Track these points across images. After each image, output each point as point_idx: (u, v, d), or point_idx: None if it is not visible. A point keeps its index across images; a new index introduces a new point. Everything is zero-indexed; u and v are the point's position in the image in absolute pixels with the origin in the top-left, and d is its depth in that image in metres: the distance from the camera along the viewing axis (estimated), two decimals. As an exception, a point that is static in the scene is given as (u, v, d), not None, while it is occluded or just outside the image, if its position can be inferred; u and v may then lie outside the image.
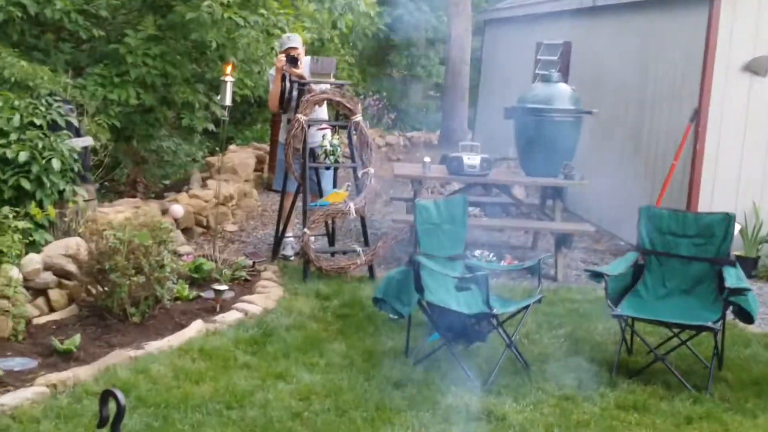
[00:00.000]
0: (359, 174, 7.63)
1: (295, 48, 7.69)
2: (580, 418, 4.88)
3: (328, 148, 7.62)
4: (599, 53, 10.75)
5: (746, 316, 5.65)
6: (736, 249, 7.89)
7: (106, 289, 5.85)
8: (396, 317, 5.96)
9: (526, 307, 5.58)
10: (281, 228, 7.90)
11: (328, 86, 7.66)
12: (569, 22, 11.80)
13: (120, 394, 2.95)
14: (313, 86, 7.59)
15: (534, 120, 8.34)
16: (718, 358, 5.63)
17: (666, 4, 9.25)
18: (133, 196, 9.38)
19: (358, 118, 7.65)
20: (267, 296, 6.64)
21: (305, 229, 7.27)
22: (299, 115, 7.42)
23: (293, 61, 7.60)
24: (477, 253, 8.02)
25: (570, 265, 8.42)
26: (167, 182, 10.83)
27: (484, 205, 9.81)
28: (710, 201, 8.41)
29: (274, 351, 5.59)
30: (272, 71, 7.99)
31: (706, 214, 6.12)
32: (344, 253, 7.82)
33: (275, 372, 5.25)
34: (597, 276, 5.80)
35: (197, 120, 9.77)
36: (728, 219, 5.89)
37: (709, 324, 5.36)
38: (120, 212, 7.22)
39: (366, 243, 7.61)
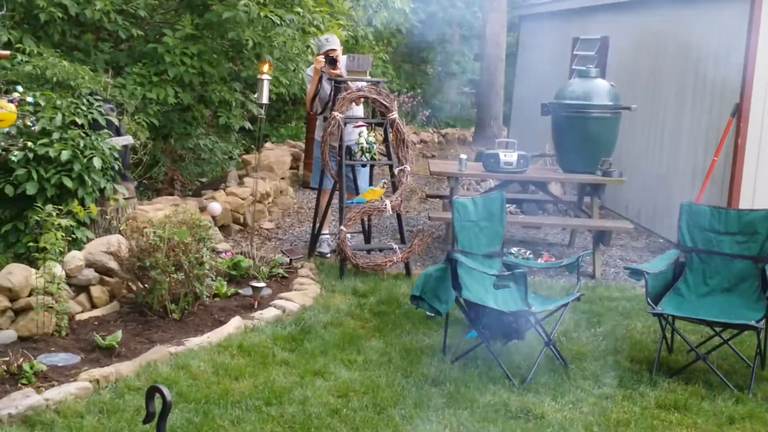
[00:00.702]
0: (395, 171, 7.63)
1: (334, 49, 7.71)
2: (619, 417, 4.85)
3: (365, 145, 7.64)
4: (637, 48, 10.64)
5: (789, 315, 5.56)
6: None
7: (146, 285, 5.92)
8: (433, 315, 5.95)
9: (565, 304, 5.55)
10: (317, 225, 7.93)
11: (365, 84, 7.67)
12: (606, 16, 11.70)
13: (166, 390, 2.99)
14: (350, 84, 7.61)
15: (571, 116, 8.29)
16: (761, 357, 5.56)
17: (706, -2, 9.14)
18: (171, 194, 9.47)
19: (394, 115, 7.65)
20: (304, 293, 6.67)
21: (341, 227, 7.29)
22: (335, 113, 7.44)
23: (332, 62, 7.62)
24: (514, 250, 8.00)
25: (608, 262, 8.36)
26: (204, 180, 10.92)
27: (521, 202, 9.78)
28: (752, 197, 8.30)
29: (312, 348, 5.62)
30: (309, 71, 8.01)
31: (748, 210, 6.04)
32: (380, 250, 7.83)
33: (313, 369, 5.27)
34: (637, 273, 5.75)
35: (234, 118, 9.84)
36: (772, 216, 5.81)
37: (752, 323, 5.29)
38: (159, 210, 7.30)
39: (402, 240, 7.61)
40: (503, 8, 17.88)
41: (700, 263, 5.94)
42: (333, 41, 7.83)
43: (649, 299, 5.61)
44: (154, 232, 5.83)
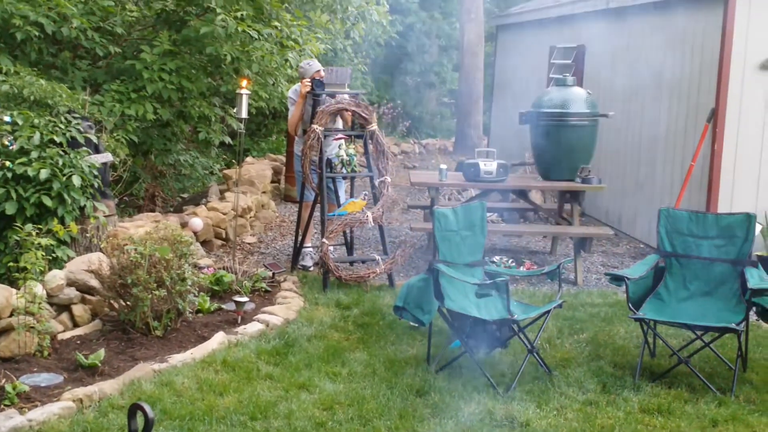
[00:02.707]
0: (376, 183, 7.65)
1: (319, 71, 7.79)
2: (604, 422, 4.87)
3: (345, 157, 7.66)
4: (614, 55, 10.74)
5: (769, 317, 5.61)
6: (758, 249, 7.85)
7: (128, 303, 5.89)
8: (417, 325, 5.97)
9: (547, 312, 5.57)
10: (300, 238, 7.93)
11: (347, 96, 7.69)
12: (582, 25, 11.79)
13: (148, 408, 2.98)
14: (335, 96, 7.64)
15: (549, 124, 8.35)
16: (743, 359, 5.61)
17: (681, 4, 9.23)
18: (152, 210, 9.44)
19: (374, 127, 7.68)
20: (288, 307, 6.67)
21: (324, 239, 7.30)
22: (314, 126, 7.46)
23: (320, 84, 7.64)
24: (496, 259, 8.03)
25: (590, 269, 8.40)
26: (185, 196, 10.89)
27: (502, 211, 9.82)
28: (730, 201, 8.37)
29: (297, 361, 5.61)
30: (293, 94, 8.01)
31: (726, 214, 6.09)
32: (363, 262, 7.84)
33: (298, 382, 5.27)
34: (618, 279, 5.79)
35: (213, 133, 9.84)
36: (749, 219, 5.86)
37: (733, 326, 5.33)
38: (140, 227, 7.28)
39: (384, 251, 7.63)
40: (480, 18, 17.99)
41: (680, 268, 5.98)
42: (316, 64, 7.90)
43: (630, 304, 5.65)
44: (135, 249, 5.82)
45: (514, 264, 8.08)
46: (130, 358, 5.49)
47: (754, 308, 5.57)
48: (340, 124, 7.99)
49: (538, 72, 13.18)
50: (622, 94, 10.33)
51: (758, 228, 7.57)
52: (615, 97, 10.32)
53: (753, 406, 5.16)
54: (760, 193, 8.43)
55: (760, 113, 8.43)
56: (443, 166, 8.41)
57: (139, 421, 3.14)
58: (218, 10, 8.50)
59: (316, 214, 7.76)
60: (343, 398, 5.06)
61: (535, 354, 5.49)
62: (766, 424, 4.88)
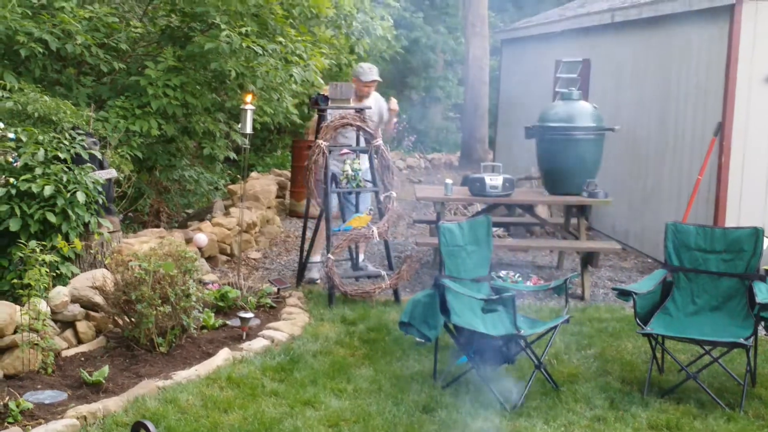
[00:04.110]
0: (381, 197, 7.63)
1: (373, 81, 8.13)
2: (612, 439, 4.82)
3: (350, 172, 7.64)
4: (619, 69, 10.72)
5: (779, 332, 5.56)
6: (766, 263, 7.80)
7: (132, 319, 5.87)
8: (423, 341, 5.91)
9: (554, 327, 5.53)
10: (305, 254, 7.91)
11: (352, 111, 7.70)
12: (588, 39, 11.79)
13: (151, 425, 2.95)
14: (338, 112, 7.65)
15: (555, 138, 8.32)
16: (751, 375, 5.55)
17: (686, 17, 9.21)
18: (157, 226, 9.42)
19: (379, 141, 7.67)
20: (293, 323, 6.63)
21: (329, 255, 7.27)
22: (320, 141, 7.45)
23: (325, 99, 7.72)
24: (502, 274, 7.99)
25: (597, 283, 8.35)
26: (190, 211, 10.88)
27: (508, 226, 9.78)
28: (738, 215, 8.32)
29: (302, 378, 5.57)
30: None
31: (734, 228, 6.04)
32: (369, 277, 7.81)
33: (303, 399, 5.23)
34: (625, 294, 5.74)
35: (218, 149, 9.83)
36: (757, 233, 5.82)
37: (741, 341, 5.28)
38: (144, 242, 7.26)
39: (390, 267, 7.59)
40: (485, 33, 18.01)
41: (688, 282, 5.94)
42: (369, 73, 8.11)
43: (638, 319, 5.60)
44: (140, 266, 5.80)
45: (520, 279, 8.03)
46: (135, 374, 5.46)
47: (762, 323, 5.51)
48: (352, 139, 7.94)
49: (543, 86, 13.16)
50: (628, 107, 10.30)
51: (766, 242, 7.51)
52: (621, 111, 10.29)
53: (762, 421, 5.10)
54: (767, 206, 8.38)
55: (766, 126, 8.39)
56: (449, 181, 8.38)
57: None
58: (222, 26, 8.51)
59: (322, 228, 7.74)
60: (349, 415, 5.01)
61: (542, 370, 5.44)
62: (776, 441, 4.83)
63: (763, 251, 5.85)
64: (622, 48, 10.75)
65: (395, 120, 8.55)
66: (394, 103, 8.31)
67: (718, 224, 8.20)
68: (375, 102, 8.20)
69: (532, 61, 14.45)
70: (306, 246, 7.96)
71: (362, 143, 7.77)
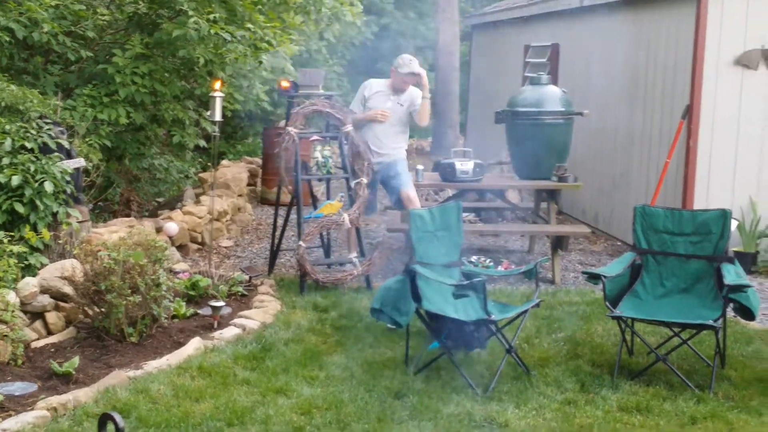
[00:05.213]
0: (352, 184, 7.62)
1: (414, 74, 7.67)
2: (583, 422, 4.86)
3: (320, 159, 7.62)
4: (588, 53, 10.76)
5: (747, 313, 5.61)
6: (734, 245, 7.89)
7: (102, 310, 5.82)
8: (394, 327, 5.92)
9: (525, 311, 5.56)
10: (276, 241, 7.89)
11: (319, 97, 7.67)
12: (556, 23, 11.81)
13: (118, 417, 2.93)
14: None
15: (525, 123, 8.35)
16: (721, 356, 5.62)
17: (654, 2, 9.26)
18: (127, 215, 9.35)
19: (349, 128, 7.64)
20: (264, 311, 6.62)
21: (300, 242, 7.25)
22: (290, 128, 7.42)
23: (294, 86, 7.68)
24: (473, 259, 8.01)
25: (567, 267, 8.41)
26: (161, 200, 10.81)
27: (479, 211, 9.81)
28: (706, 197, 8.41)
29: (274, 366, 5.57)
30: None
31: (702, 211, 6.10)
32: (340, 264, 7.80)
33: (275, 387, 5.22)
34: (595, 278, 5.77)
35: (188, 137, 9.76)
36: (725, 215, 5.87)
37: (710, 322, 5.34)
38: (114, 232, 7.20)
39: (362, 253, 7.59)
40: (455, 18, 17.98)
41: (657, 265, 5.99)
42: (409, 65, 7.68)
43: (607, 303, 5.64)
44: (109, 255, 5.75)
45: (491, 264, 8.07)
46: (105, 365, 5.43)
47: (731, 304, 5.57)
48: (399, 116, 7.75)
49: (513, 71, 13.20)
50: (597, 92, 10.35)
51: (734, 224, 7.59)
52: (590, 95, 10.34)
53: (732, 402, 5.16)
54: (735, 188, 8.47)
55: (734, 109, 8.47)
56: (420, 167, 8.38)
57: (111, 430, 3.08)
58: (191, 13, 8.43)
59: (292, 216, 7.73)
60: (321, 402, 5.02)
61: (513, 354, 5.48)
62: (744, 421, 4.89)
63: (730, 233, 5.91)
64: (591, 32, 10.79)
65: (428, 103, 7.78)
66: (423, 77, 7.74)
67: (686, 207, 8.27)
68: (409, 96, 7.77)
69: (502, 46, 14.47)
70: (278, 234, 7.94)
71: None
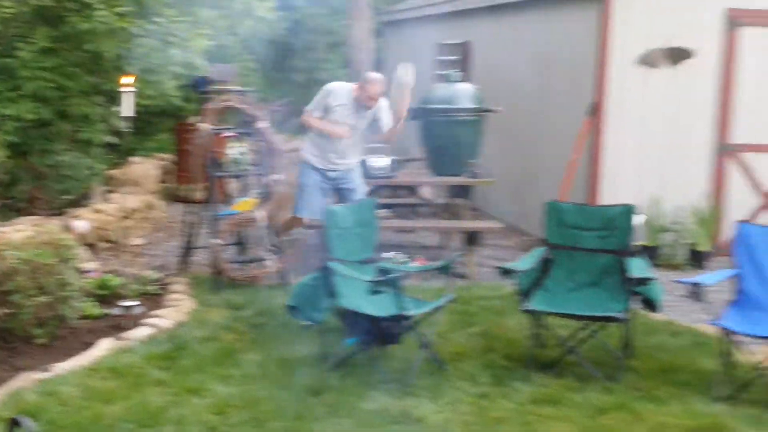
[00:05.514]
0: (267, 181, 7.57)
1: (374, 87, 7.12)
2: (497, 414, 4.94)
3: (236, 156, 7.54)
4: (499, 51, 10.92)
5: (652, 305, 5.81)
6: (640, 239, 8.12)
7: (8, 311, 5.64)
8: (310, 324, 5.92)
9: (440, 307, 5.62)
10: (189, 240, 7.78)
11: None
12: (468, 21, 11.96)
13: (28, 421, 2.86)
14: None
15: (438, 120, 8.44)
16: (627, 347, 5.78)
17: (561, 1, 9.45)
18: (34, 214, 9.07)
19: (263, 123, 7.59)
20: (178, 309, 6.53)
21: (214, 240, 7.17)
22: (204, 125, 7.32)
23: (204, 82, 7.50)
24: (389, 255, 8.05)
25: (480, 262, 8.52)
26: (69, 197, 10.51)
27: (394, 207, 9.85)
28: (612, 193, 8.62)
29: (188, 365, 5.49)
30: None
31: (609, 206, 6.27)
32: (255, 261, 7.75)
33: (189, 386, 5.15)
34: (508, 272, 5.87)
35: (96, 133, 9.53)
36: (630, 210, 6.05)
37: (617, 315, 5.49)
38: (20, 231, 6.98)
39: (277, 251, 7.55)
40: (368, 15, 17.99)
41: (567, 259, 6.13)
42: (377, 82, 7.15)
43: (520, 297, 5.75)
44: (14, 255, 5.58)
45: (406, 260, 8.11)
46: (12, 368, 5.27)
47: (636, 297, 5.75)
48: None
49: (425, 68, 13.28)
50: (509, 89, 10.51)
51: (641, 219, 7.81)
52: (502, 92, 10.47)
53: (638, 392, 5.32)
54: (640, 185, 8.72)
55: (638, 107, 8.72)
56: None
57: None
58: (98, 6, 8.23)
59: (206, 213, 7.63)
60: (237, 401, 4.98)
61: (428, 349, 5.53)
62: (650, 411, 5.05)
63: (636, 228, 6.09)
64: (501, 30, 10.96)
65: (402, 119, 7.33)
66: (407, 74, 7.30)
67: (593, 203, 8.48)
68: (377, 110, 7.29)
69: (414, 44, 14.55)
70: (191, 231, 7.82)
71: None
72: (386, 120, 7.31)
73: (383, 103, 7.28)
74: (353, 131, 7.29)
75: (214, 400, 4.98)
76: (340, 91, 7.28)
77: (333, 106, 7.23)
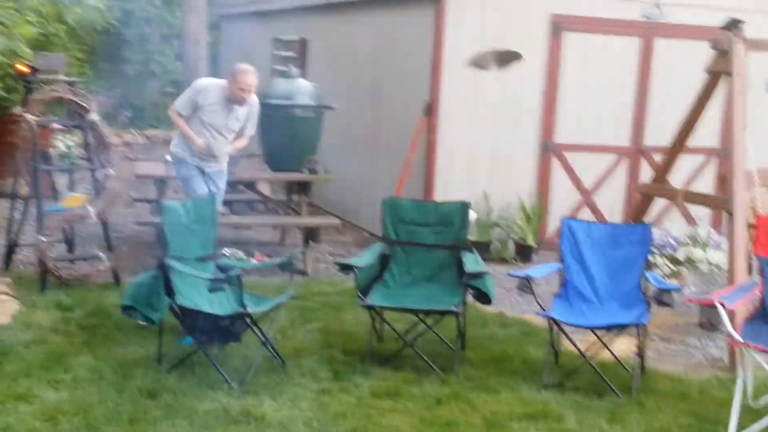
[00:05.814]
0: (98, 175, 7.30)
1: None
2: (337, 409, 4.97)
3: (63, 149, 7.25)
4: (336, 50, 10.98)
5: (484, 298, 6.02)
6: (471, 235, 8.38)
7: None
8: (146, 324, 5.76)
9: (280, 303, 5.60)
10: (14, 235, 7.40)
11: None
12: (305, 19, 11.95)
13: None
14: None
15: (276, 116, 8.39)
16: (462, 339, 5.96)
17: (396, 2, 9.61)
18: None
19: (93, 116, 7.31)
20: (1, 311, 6.20)
21: (41, 237, 6.85)
22: (29, 116, 6.97)
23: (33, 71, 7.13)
24: (227, 251, 7.95)
25: (319, 258, 8.56)
26: None
27: (231, 203, 9.73)
28: (446, 190, 8.85)
29: (13, 371, 5.22)
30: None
31: (444, 203, 6.44)
32: (86, 259, 7.46)
33: (15, 393, 4.90)
34: (346, 268, 5.92)
35: None
36: (464, 207, 6.24)
37: (452, 308, 5.65)
38: None
39: (109, 248, 7.30)
40: (203, 8, 17.66)
41: (404, 255, 6.25)
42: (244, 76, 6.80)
43: (358, 292, 5.81)
44: None
45: (244, 256, 8.04)
46: None
47: (470, 290, 5.94)
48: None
49: (261, 63, 13.18)
50: (345, 87, 10.59)
51: (473, 216, 8.06)
52: (339, 90, 10.54)
53: (472, 382, 5.50)
54: (471, 182, 8.99)
55: (470, 107, 8.99)
56: (169, 158, 8.17)
57: None
58: None
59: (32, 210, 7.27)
60: (68, 407, 4.77)
61: (268, 346, 5.50)
62: (484, 400, 5.22)
63: (470, 223, 6.29)
64: (338, 29, 11.02)
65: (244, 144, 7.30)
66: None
67: (429, 199, 8.69)
68: (247, 109, 7.05)
69: (250, 38, 14.42)
70: (15, 228, 7.44)
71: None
72: (250, 128, 7.17)
73: (255, 108, 7.10)
74: (226, 133, 7.02)
75: (42, 406, 4.76)
76: (210, 89, 6.95)
77: (203, 105, 6.89)
